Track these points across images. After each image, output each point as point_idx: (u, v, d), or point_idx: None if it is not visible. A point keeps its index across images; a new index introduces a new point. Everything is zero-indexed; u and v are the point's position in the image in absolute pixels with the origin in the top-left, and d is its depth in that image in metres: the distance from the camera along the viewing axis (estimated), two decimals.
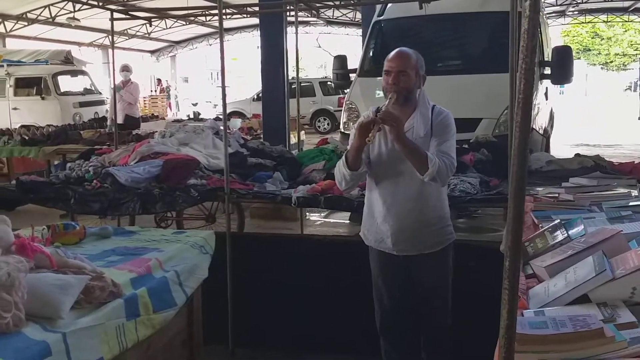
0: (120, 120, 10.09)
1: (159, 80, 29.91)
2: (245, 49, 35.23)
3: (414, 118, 3.19)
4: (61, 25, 22.40)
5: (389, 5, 8.23)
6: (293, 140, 8.87)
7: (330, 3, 19.23)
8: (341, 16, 28.16)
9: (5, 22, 21.48)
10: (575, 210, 2.82)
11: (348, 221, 7.61)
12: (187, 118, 15.20)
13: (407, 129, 3.13)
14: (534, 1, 1.15)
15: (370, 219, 3.36)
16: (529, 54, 1.18)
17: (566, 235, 2.25)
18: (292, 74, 9.77)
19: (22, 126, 10.50)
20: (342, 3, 18.87)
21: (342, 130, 7.68)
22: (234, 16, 21.87)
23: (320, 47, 34.04)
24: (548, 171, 4.82)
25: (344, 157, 3.18)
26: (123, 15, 6.74)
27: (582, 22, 35.08)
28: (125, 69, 10.76)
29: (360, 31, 18.20)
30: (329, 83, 21.54)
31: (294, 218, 7.02)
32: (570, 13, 30.15)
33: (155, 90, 32.49)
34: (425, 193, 3.20)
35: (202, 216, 6.44)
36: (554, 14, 28.40)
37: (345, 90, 8.71)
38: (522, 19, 1.22)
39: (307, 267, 4.43)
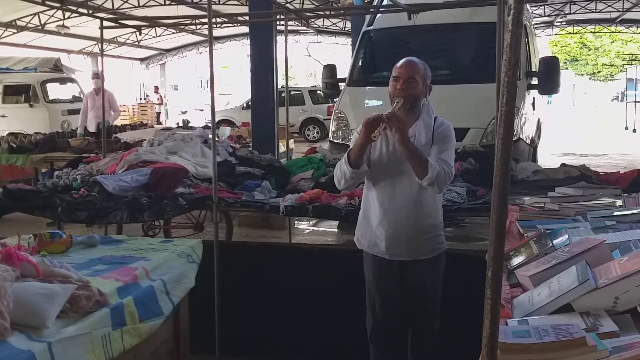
0: (92, 128, 10.06)
1: (156, 87, 29.71)
2: (235, 57, 35.29)
3: (417, 126, 3.25)
4: (50, 32, 22.31)
5: (379, 15, 8.29)
6: (282, 148, 8.89)
7: (320, 13, 19.33)
8: (331, 25, 28.25)
9: None
10: (561, 220, 2.85)
11: (336, 230, 7.62)
12: (176, 126, 15.18)
13: (410, 136, 3.17)
14: (517, 16, 1.17)
15: (365, 223, 3.39)
16: (511, 67, 1.20)
17: (550, 244, 2.27)
18: (281, 82, 9.80)
19: (10, 134, 10.47)
20: (332, 13, 18.98)
21: (331, 139, 7.70)
22: (224, 25, 21.90)
23: (310, 56, 34.15)
24: (534, 181, 4.86)
25: (346, 154, 3.21)
26: (113, 24, 6.74)
27: (570, 33, 35.38)
28: (96, 76, 10.67)
29: (350, 40, 18.27)
30: (318, 92, 21.60)
31: (283, 227, 7.03)
32: (559, 24, 30.42)
33: (144, 98, 32.42)
34: (423, 200, 3.24)
35: (190, 225, 6.42)
36: (542, 25, 28.64)
37: (335, 100, 8.74)
38: (504, 33, 1.24)
39: (295, 275, 4.42)
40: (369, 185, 3.34)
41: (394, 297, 3.38)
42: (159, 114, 28.06)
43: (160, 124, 23.07)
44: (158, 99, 28.80)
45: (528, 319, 1.73)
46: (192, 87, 42.47)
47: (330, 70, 8.39)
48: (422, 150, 3.18)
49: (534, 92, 7.99)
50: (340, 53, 28.74)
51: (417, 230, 3.26)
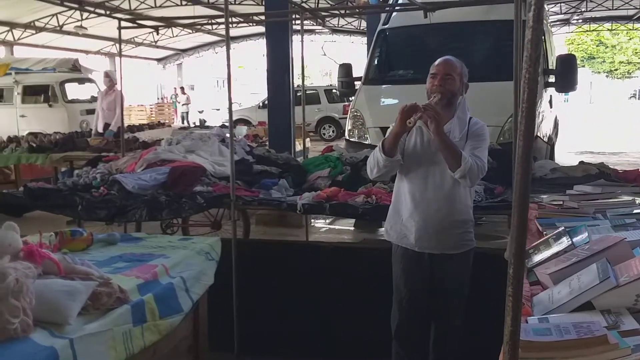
0: (100, 128, 10.07)
1: (182, 88, 29.87)
2: (251, 56, 35.36)
3: (452, 123, 3.29)
4: (69, 33, 22.55)
5: (394, 13, 8.27)
6: (298, 147, 8.90)
7: (336, 12, 19.33)
8: (346, 24, 28.25)
9: (13, 30, 21.63)
10: (580, 217, 2.83)
11: (353, 228, 7.62)
12: (192, 125, 15.24)
13: (445, 132, 3.20)
14: (537, 12, 1.17)
15: (395, 216, 3.43)
16: (532, 63, 1.20)
17: (570, 242, 2.26)
18: (297, 81, 9.81)
19: (30, 133, 10.58)
20: (347, 12, 18.96)
21: (347, 138, 7.70)
22: (240, 24, 21.97)
23: (326, 55, 34.12)
24: (552, 179, 4.83)
25: (380, 143, 3.26)
26: (131, 24, 6.78)
27: (587, 31, 35.09)
28: (106, 75, 10.68)
29: (365, 39, 18.24)
30: (334, 91, 21.61)
31: (299, 225, 7.04)
32: (575, 21, 30.17)
33: (161, 98, 32.60)
34: (454, 194, 3.28)
35: (207, 223, 6.45)
36: (558, 22, 28.43)
37: (351, 98, 8.74)
38: (525, 29, 1.24)
39: (312, 273, 4.44)
40: (401, 177, 3.38)
41: (422, 292, 3.40)
42: (186, 113, 28.00)
43: (189, 123, 23.08)
44: (187, 99, 28.85)
45: (548, 316, 1.72)
46: (209, 87, 42.63)
47: (346, 69, 8.39)
48: (458, 145, 3.21)
49: (551, 90, 7.94)
50: (355, 52, 28.67)
51: (447, 224, 3.29)
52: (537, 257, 2.27)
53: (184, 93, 29.21)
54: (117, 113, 10.11)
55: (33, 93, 15.86)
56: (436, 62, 3.35)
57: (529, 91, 1.21)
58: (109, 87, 10.31)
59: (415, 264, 3.37)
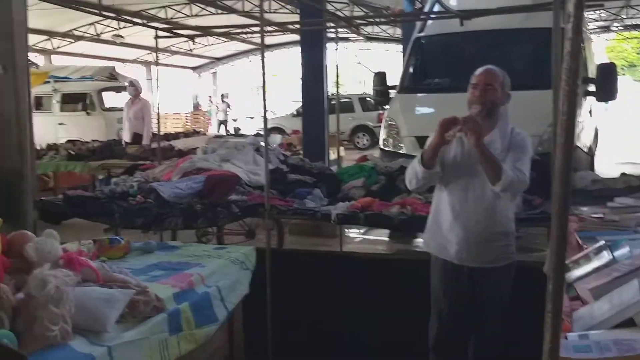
0: (127, 138, 10.16)
1: (222, 96, 29.93)
2: (286, 64, 35.54)
3: (494, 134, 3.25)
4: (106, 42, 22.96)
5: (430, 21, 8.23)
6: (332, 156, 8.91)
7: (371, 20, 19.32)
8: (381, 32, 28.20)
9: (52, 39, 22.11)
10: (621, 231, 2.78)
11: (387, 239, 7.57)
12: (227, 134, 15.36)
13: (486, 143, 3.17)
14: (577, 23, 1.15)
15: (435, 226, 3.40)
16: (571, 75, 1.18)
17: (611, 257, 2.21)
18: (331, 89, 9.83)
19: (68, 141, 10.75)
20: (382, 20, 18.94)
21: (382, 147, 7.67)
22: (275, 33, 22.12)
23: (360, 63, 34.11)
24: (593, 190, 4.73)
25: (419, 155, 3.25)
26: (167, 34, 6.88)
27: (627, 38, 34.42)
28: (131, 84, 10.68)
29: (400, 47, 18.19)
30: (368, 99, 21.57)
31: (333, 235, 7.02)
32: (615, 28, 29.64)
33: (197, 106, 32.87)
34: (495, 207, 3.24)
35: (242, 232, 6.49)
36: (598, 30, 27.95)
37: (385, 107, 8.72)
38: (564, 40, 1.22)
39: (346, 284, 4.43)
40: (441, 188, 3.36)
41: (462, 305, 3.36)
42: (225, 122, 28.02)
43: (227, 131, 23.18)
44: (227, 106, 28.85)
45: (589, 333, 1.69)
46: (243, 95, 42.96)
47: (380, 77, 8.38)
48: (498, 157, 3.17)
49: (590, 99, 7.80)
50: (390, 60, 28.63)
51: (488, 237, 3.25)
52: (577, 272, 2.23)
53: (223, 101, 29.09)
54: (145, 122, 10.25)
55: (71, 101, 16.16)
56: (477, 72, 3.32)
57: (569, 103, 1.19)
58: (135, 96, 10.43)
59: (455, 277, 3.34)
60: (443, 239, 3.34)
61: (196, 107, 33.28)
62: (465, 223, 3.25)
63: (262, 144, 5.19)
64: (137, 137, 10.10)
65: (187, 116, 28.58)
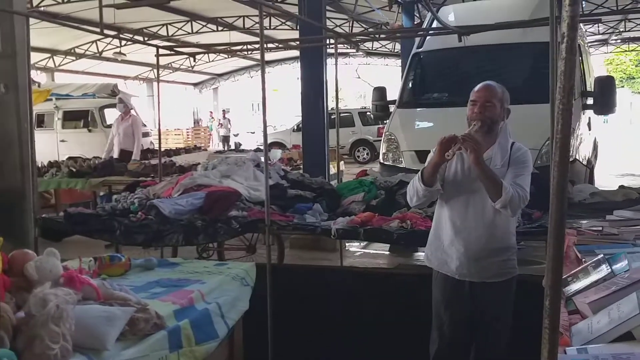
0: (115, 154, 10.11)
1: (224, 112, 29.81)
2: (286, 80, 35.67)
3: (494, 149, 3.26)
4: (108, 59, 23.09)
5: (429, 36, 8.28)
6: (333, 170, 8.92)
7: (369, 38, 19.43)
8: (380, 47, 28.35)
9: (54, 57, 22.25)
10: (620, 244, 2.78)
11: (388, 252, 7.57)
12: (227, 149, 15.39)
13: (486, 159, 3.19)
14: (570, 44, 1.17)
15: (436, 242, 3.40)
16: (566, 94, 1.20)
17: (610, 270, 2.21)
18: (331, 104, 9.86)
19: (70, 158, 10.74)
20: (381, 37, 19.05)
21: (382, 161, 7.69)
22: (275, 49, 22.25)
23: (360, 78, 34.25)
24: (591, 203, 4.74)
25: (419, 172, 3.26)
26: (168, 51, 6.93)
27: (626, 51, 34.55)
28: (120, 101, 10.58)
29: (399, 61, 18.27)
30: (368, 113, 21.63)
31: (334, 249, 7.03)
32: (614, 42, 29.76)
33: (197, 122, 32.92)
34: (496, 222, 3.24)
35: (243, 247, 6.49)
36: (596, 43, 28.07)
37: (385, 122, 8.74)
38: (558, 59, 1.23)
39: (347, 298, 4.43)
40: (442, 203, 3.37)
41: (463, 320, 3.36)
42: (227, 137, 27.83)
43: (228, 147, 23.06)
44: (228, 122, 28.64)
45: (587, 347, 1.69)
46: (244, 110, 43.09)
47: (380, 92, 8.42)
48: (498, 173, 3.18)
49: (589, 112, 7.83)
50: (390, 74, 28.73)
51: (488, 252, 3.25)
52: (576, 286, 2.23)
53: (225, 117, 28.94)
54: (136, 138, 10.11)
55: (73, 118, 16.20)
56: (476, 88, 3.33)
57: (563, 122, 1.20)
58: (125, 113, 10.35)
59: (456, 292, 3.34)
60: (444, 254, 3.35)
61: (197, 122, 33.31)
62: (466, 239, 3.25)
63: (263, 159, 5.21)
64: (124, 154, 10.02)
65: (188, 132, 28.64)
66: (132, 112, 10.75)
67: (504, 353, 3.37)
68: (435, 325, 3.46)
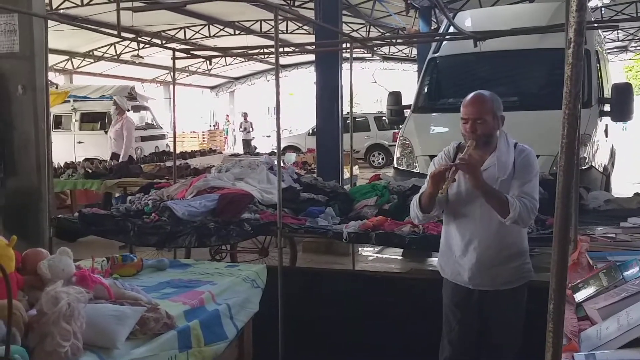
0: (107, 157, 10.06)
1: (245, 114, 28.77)
2: (302, 84, 35.73)
3: (492, 158, 3.18)
4: (125, 62, 23.29)
5: (445, 42, 8.27)
6: (347, 174, 8.93)
7: (385, 41, 19.41)
8: (397, 52, 28.34)
9: (73, 59, 22.47)
10: (633, 251, 2.76)
11: (400, 257, 7.56)
12: (243, 152, 15.42)
13: (487, 167, 3.14)
14: (576, 49, 1.17)
15: (448, 252, 3.36)
16: (572, 100, 1.20)
17: (621, 277, 2.20)
18: (347, 108, 9.88)
19: (86, 159, 10.84)
20: (397, 41, 19.03)
21: (396, 166, 7.68)
22: (291, 53, 22.31)
23: (376, 83, 34.24)
24: (606, 210, 4.71)
25: (417, 198, 3.23)
26: (184, 54, 6.97)
27: None
28: (114, 103, 10.45)
29: (416, 66, 18.25)
30: (383, 118, 21.60)
31: (346, 253, 7.03)
32: (633, 48, 29.51)
33: (214, 125, 32.90)
34: (505, 229, 3.18)
35: (255, 249, 6.51)
36: (615, 50, 27.86)
37: (400, 126, 8.73)
38: (565, 65, 1.23)
39: (359, 302, 4.42)
40: (449, 217, 3.32)
41: (473, 328, 3.33)
42: (248, 141, 26.59)
43: (255, 150, 22.42)
44: (251, 125, 27.53)
45: (595, 353, 1.69)
46: (260, 114, 43.25)
47: (395, 97, 8.41)
48: (504, 182, 3.12)
49: (606, 119, 7.77)
50: (406, 79, 28.67)
51: (501, 260, 3.21)
52: (587, 292, 2.22)
53: (246, 120, 27.55)
54: (125, 140, 9.93)
55: (90, 120, 16.36)
56: (465, 102, 3.23)
57: (569, 127, 1.20)
58: (119, 115, 10.27)
59: (467, 300, 3.31)
60: (456, 264, 3.31)
61: (216, 125, 33.19)
62: (476, 250, 3.20)
63: (276, 162, 5.23)
64: (115, 157, 9.99)
65: (204, 135, 28.72)
66: (127, 114, 10.57)
67: (516, 356, 3.34)
68: (445, 332, 3.43)
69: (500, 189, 3.11)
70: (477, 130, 3.13)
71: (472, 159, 3.12)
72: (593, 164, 6.96)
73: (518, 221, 3.06)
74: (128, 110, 10.88)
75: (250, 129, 27.49)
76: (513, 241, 3.24)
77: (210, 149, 17.56)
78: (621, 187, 10.23)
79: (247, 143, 26.51)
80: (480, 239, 3.19)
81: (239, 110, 32.20)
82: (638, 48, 29.81)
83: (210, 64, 25.57)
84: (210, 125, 33.59)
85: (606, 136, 8.14)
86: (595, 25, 8.27)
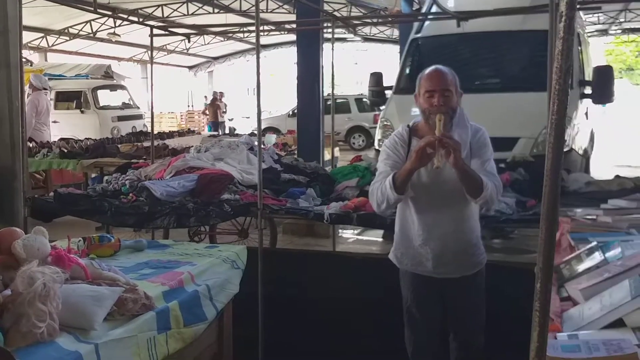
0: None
1: (221, 93, 27.38)
2: (283, 64, 35.56)
3: (455, 135, 3.06)
4: (102, 40, 22.93)
5: (427, 22, 8.23)
6: (327, 156, 8.90)
7: (368, 21, 19.33)
8: (379, 33, 28.23)
9: (48, 37, 22.05)
10: (613, 232, 2.77)
11: (381, 239, 7.57)
12: (222, 133, 15.32)
13: None
14: (568, 22, 1.14)
15: (406, 242, 3.26)
16: (562, 75, 1.17)
17: (603, 258, 2.20)
18: (327, 90, 9.82)
19: (61, 139, 10.64)
20: (379, 21, 18.95)
21: (377, 148, 7.67)
22: (272, 33, 22.11)
23: (357, 64, 34.16)
24: (586, 192, 4.73)
25: (390, 179, 3.04)
26: (162, 32, 6.86)
27: (626, 42, 34.53)
28: (28, 80, 9.96)
29: (397, 48, 18.21)
30: (364, 100, 21.57)
31: (327, 235, 7.03)
32: (613, 32, 29.71)
33: (191, 105, 32.64)
34: (466, 214, 3.16)
35: (235, 231, 6.47)
36: (596, 33, 28.01)
37: (381, 108, 8.71)
38: (556, 39, 1.21)
39: (338, 284, 4.42)
40: (407, 204, 3.19)
41: (437, 316, 3.30)
42: (222, 122, 24.62)
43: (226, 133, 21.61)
44: (224, 106, 25.81)
45: (578, 333, 1.68)
46: (240, 94, 42.96)
47: (376, 78, 8.37)
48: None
49: (587, 102, 7.82)
50: (388, 61, 28.62)
51: (464, 245, 3.18)
52: (569, 272, 2.22)
53: (220, 100, 25.48)
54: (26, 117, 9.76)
55: (66, 99, 16.09)
56: (427, 75, 3.10)
57: (559, 103, 1.18)
58: (33, 94, 9.91)
59: (427, 288, 3.25)
60: (417, 254, 3.21)
61: (191, 106, 32.83)
62: (440, 236, 3.13)
63: (256, 143, 5.18)
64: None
65: (182, 115, 28.46)
66: (37, 93, 10.14)
67: (483, 340, 3.33)
68: (409, 324, 3.36)
69: None
70: (447, 102, 3.01)
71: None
72: (573, 147, 7.01)
73: (488, 201, 3.02)
74: (45, 90, 10.52)
75: (224, 110, 25.69)
76: (474, 225, 3.22)
77: (189, 129, 17.41)
78: (600, 170, 10.32)
79: (219, 124, 24.41)
80: (444, 225, 3.12)
81: (217, 90, 31.82)
82: (618, 32, 30.02)
83: (189, 42, 25.28)
84: (188, 106, 33.23)
85: (586, 119, 8.20)
86: (578, 6, 8.28)
